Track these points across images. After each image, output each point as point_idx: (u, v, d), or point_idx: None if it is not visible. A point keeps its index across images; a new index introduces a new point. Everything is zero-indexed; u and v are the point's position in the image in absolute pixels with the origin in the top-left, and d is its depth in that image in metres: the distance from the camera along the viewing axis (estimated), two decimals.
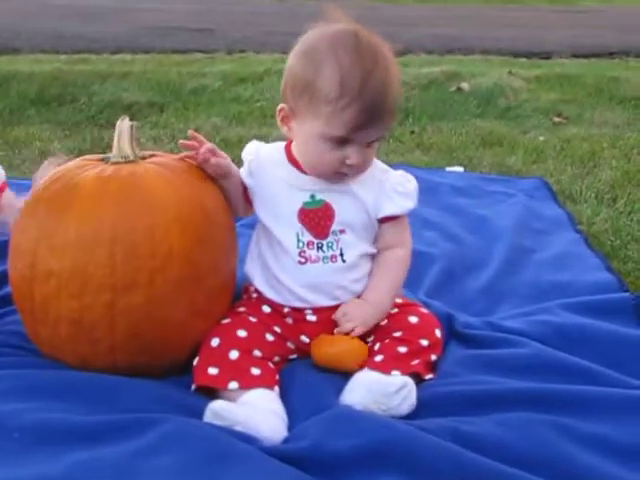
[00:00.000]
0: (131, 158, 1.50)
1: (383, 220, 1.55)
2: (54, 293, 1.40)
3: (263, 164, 1.57)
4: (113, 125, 3.56)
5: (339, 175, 1.50)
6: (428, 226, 2.25)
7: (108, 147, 3.08)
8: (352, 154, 1.45)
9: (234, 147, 2.94)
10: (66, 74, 4.28)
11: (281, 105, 1.49)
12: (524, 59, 5.62)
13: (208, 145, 1.51)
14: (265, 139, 3.22)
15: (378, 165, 1.58)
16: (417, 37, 6.09)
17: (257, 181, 1.56)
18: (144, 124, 3.48)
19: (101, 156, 1.55)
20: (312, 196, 1.52)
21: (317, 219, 1.51)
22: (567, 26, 7.54)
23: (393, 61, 1.47)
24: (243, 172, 1.59)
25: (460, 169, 2.91)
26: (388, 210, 1.54)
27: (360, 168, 1.49)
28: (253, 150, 1.61)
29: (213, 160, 1.51)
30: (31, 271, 1.42)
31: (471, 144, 3.28)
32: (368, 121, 1.41)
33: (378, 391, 1.36)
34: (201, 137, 1.52)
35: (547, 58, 5.73)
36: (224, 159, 1.54)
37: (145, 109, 3.75)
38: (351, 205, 1.53)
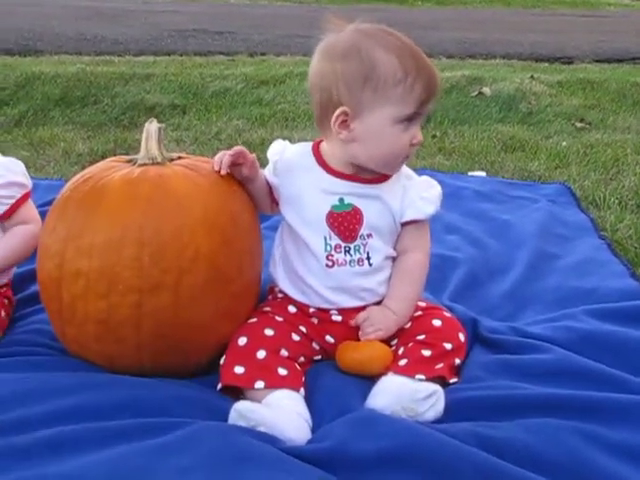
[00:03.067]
0: (159, 160, 1.51)
1: (404, 224, 1.56)
2: (82, 293, 1.41)
3: (289, 165, 1.57)
4: (136, 126, 3.61)
5: (404, 161, 1.54)
6: (451, 230, 2.25)
7: (131, 148, 3.15)
8: (416, 132, 1.50)
9: (256, 149, 2.94)
10: (89, 76, 4.31)
11: (340, 109, 1.46)
12: (546, 64, 5.60)
13: (237, 149, 1.52)
14: (288, 141, 3.24)
15: (404, 171, 1.59)
16: (438, 41, 6.08)
17: (283, 181, 1.57)
18: (166, 126, 3.50)
19: (128, 157, 1.56)
20: (341, 200, 1.52)
21: (346, 223, 1.52)
22: (589, 31, 7.50)
23: None
24: (268, 171, 1.60)
25: (483, 174, 2.90)
26: (410, 215, 1.55)
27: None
28: (279, 149, 1.62)
29: (244, 171, 1.52)
30: (59, 271, 1.44)
31: (493, 149, 3.27)
32: (432, 92, 1.48)
33: (406, 396, 1.36)
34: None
35: (569, 63, 5.71)
36: (252, 166, 1.54)
37: (167, 111, 3.77)
38: (379, 210, 1.54)
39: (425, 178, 1.61)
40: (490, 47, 6.13)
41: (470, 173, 2.91)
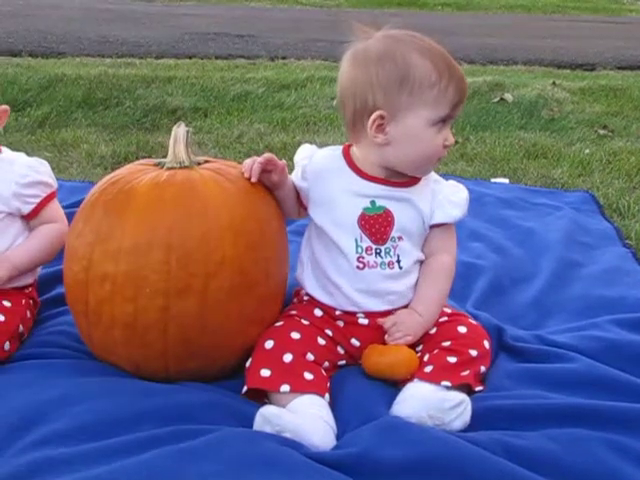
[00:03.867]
0: (186, 164, 1.51)
1: (432, 226, 1.58)
2: (108, 296, 1.42)
3: (319, 168, 1.58)
4: (158, 129, 3.63)
5: (436, 163, 1.57)
6: (475, 238, 2.24)
7: (153, 151, 3.15)
8: (448, 134, 1.52)
9: (278, 153, 2.94)
10: (111, 78, 4.32)
11: (376, 113, 1.48)
12: (568, 70, 5.56)
13: (267, 156, 1.52)
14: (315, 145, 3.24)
15: (432, 175, 1.60)
16: (459, 46, 6.03)
17: (313, 185, 1.58)
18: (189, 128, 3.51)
19: (156, 161, 1.56)
20: (372, 202, 1.53)
21: (377, 225, 1.53)
22: (611, 37, 7.45)
23: None
24: (296, 176, 1.60)
25: (505, 181, 2.89)
26: (438, 218, 1.57)
27: None
28: (307, 154, 1.63)
29: (274, 177, 1.53)
30: (86, 274, 1.44)
31: (515, 155, 3.25)
32: (464, 94, 1.51)
33: (433, 405, 1.36)
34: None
35: (591, 69, 5.67)
36: (281, 172, 1.55)
37: (189, 114, 3.78)
38: (409, 212, 1.55)
39: (453, 182, 1.63)
40: (511, 53, 6.10)
41: (493, 180, 2.90)
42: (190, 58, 5.46)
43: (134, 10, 8.50)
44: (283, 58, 5.68)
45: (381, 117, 1.48)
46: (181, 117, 3.70)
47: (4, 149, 1.68)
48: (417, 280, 1.58)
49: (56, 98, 3.82)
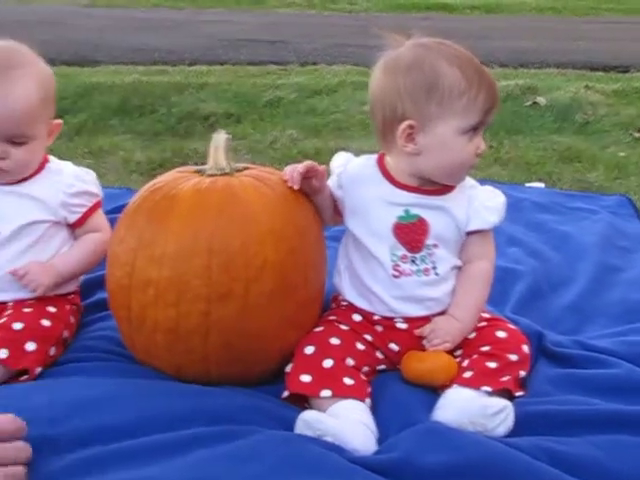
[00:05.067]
0: (227, 171, 1.53)
1: (469, 233, 1.57)
2: (151, 302, 1.44)
3: (354, 177, 1.59)
4: (192, 135, 3.67)
5: (468, 171, 1.56)
6: (512, 242, 2.23)
7: (188, 157, 3.20)
8: (480, 142, 1.52)
9: (312, 159, 2.94)
10: (145, 85, 4.39)
11: (406, 123, 1.48)
12: (601, 73, 5.52)
13: (308, 164, 1.54)
14: (343, 151, 3.25)
15: (467, 181, 1.60)
16: (489, 50, 6.03)
17: (347, 193, 1.59)
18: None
19: (196, 168, 1.58)
20: (406, 211, 1.54)
21: (412, 234, 1.53)
22: None
23: None
24: (332, 184, 1.61)
25: (541, 185, 2.88)
26: (475, 224, 1.56)
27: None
28: (342, 162, 1.64)
29: (315, 183, 1.54)
30: (129, 280, 1.46)
31: (549, 159, 3.24)
32: (494, 102, 1.50)
33: (475, 411, 1.36)
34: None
35: (625, 72, 5.62)
36: (321, 178, 1.56)
37: (222, 120, 3.82)
38: (443, 220, 1.55)
39: (489, 187, 1.62)
40: (543, 56, 6.07)
41: (528, 184, 2.89)
42: (222, 65, 5.52)
43: (164, 18, 8.59)
44: (314, 64, 5.71)
45: (410, 127, 1.48)
46: (214, 123, 3.74)
47: (52, 158, 1.71)
48: (454, 286, 1.58)
49: (92, 106, 3.89)
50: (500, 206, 1.58)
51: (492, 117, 1.52)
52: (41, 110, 1.60)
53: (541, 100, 4.20)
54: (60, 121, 1.71)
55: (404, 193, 1.55)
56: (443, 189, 1.56)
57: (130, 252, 1.47)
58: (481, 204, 1.57)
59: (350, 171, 1.60)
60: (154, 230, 1.45)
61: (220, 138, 1.55)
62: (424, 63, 1.48)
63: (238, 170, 1.56)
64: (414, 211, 1.54)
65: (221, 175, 1.52)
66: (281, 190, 1.51)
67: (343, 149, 3.28)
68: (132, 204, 1.54)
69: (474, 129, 1.49)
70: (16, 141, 1.58)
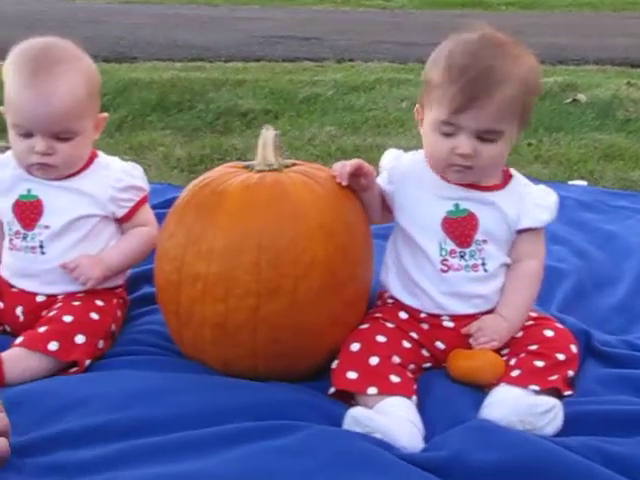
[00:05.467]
0: (275, 167, 1.54)
1: (520, 231, 1.56)
2: (200, 296, 1.45)
3: (405, 172, 1.60)
4: (230, 131, 3.67)
5: (454, 168, 1.51)
6: (555, 241, 2.21)
7: (227, 153, 3.20)
8: (459, 143, 1.48)
9: (351, 156, 2.92)
10: (183, 81, 4.39)
11: (417, 104, 1.57)
12: None
13: (356, 161, 1.54)
14: (381, 148, 3.24)
15: (520, 179, 1.60)
16: (526, 46, 5.97)
17: (398, 189, 1.59)
18: (260, 132, 3.54)
19: (245, 164, 1.59)
20: (456, 205, 1.54)
21: (461, 228, 1.53)
22: None
23: (522, 61, 1.50)
24: (383, 179, 1.62)
25: (584, 183, 2.85)
26: (526, 222, 1.56)
27: (476, 162, 1.49)
28: (393, 158, 1.65)
29: (363, 181, 1.55)
30: (178, 275, 1.48)
31: (591, 157, 3.20)
32: (467, 103, 1.44)
33: (524, 409, 1.35)
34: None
35: None
36: (370, 176, 1.56)
37: (260, 116, 3.81)
38: (493, 216, 1.54)
39: (542, 186, 1.62)
40: (581, 52, 5.98)
41: (570, 182, 2.86)
42: (258, 61, 5.51)
43: (200, 14, 8.62)
44: (350, 60, 5.69)
45: (417, 111, 1.57)
46: (252, 120, 3.74)
47: (100, 153, 1.73)
48: (503, 284, 1.57)
49: (131, 102, 3.91)
50: (552, 205, 1.58)
51: (472, 122, 1.46)
52: (86, 105, 1.61)
53: (582, 97, 4.14)
54: (105, 114, 1.72)
55: (454, 187, 1.55)
56: (495, 185, 1.56)
57: (179, 247, 1.48)
58: (533, 202, 1.56)
59: (402, 166, 1.61)
60: (203, 225, 1.46)
61: (269, 134, 1.55)
62: (438, 51, 1.52)
63: (286, 166, 1.56)
64: (464, 205, 1.54)
65: (269, 171, 1.53)
66: (330, 186, 1.52)
67: (381, 146, 3.28)
68: (181, 200, 1.55)
69: (447, 125, 1.47)
70: (62, 137, 1.59)
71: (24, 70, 1.57)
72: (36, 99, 1.55)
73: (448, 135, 1.48)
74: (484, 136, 1.48)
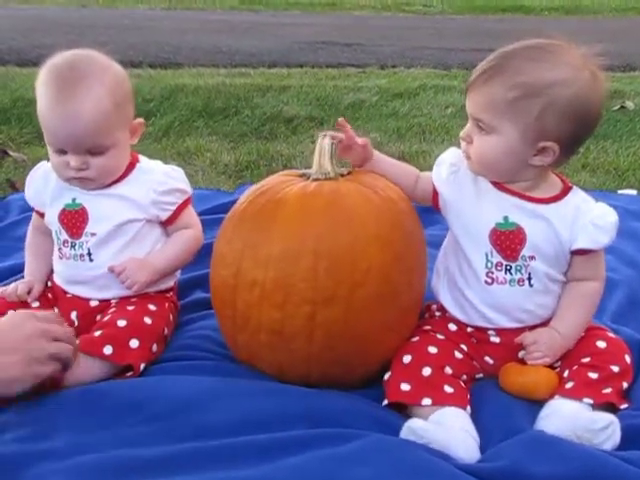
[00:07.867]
0: (331, 175, 1.55)
1: (576, 252, 1.52)
2: (257, 302, 1.46)
3: (462, 177, 1.57)
4: (276, 137, 3.69)
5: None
6: (605, 250, 2.18)
7: (273, 160, 3.22)
8: (466, 127, 1.52)
9: None
10: (228, 87, 4.44)
11: None
12: None
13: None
14: (426, 155, 3.23)
15: (579, 193, 1.55)
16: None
17: (453, 191, 1.56)
18: (305, 138, 3.57)
19: (301, 172, 1.60)
20: (505, 218, 1.51)
21: (508, 242, 1.50)
22: None
23: (567, 66, 1.45)
24: (439, 175, 1.58)
25: (633, 192, 2.81)
26: (582, 243, 1.50)
27: (471, 150, 1.50)
28: (457, 161, 1.58)
29: (360, 141, 1.57)
30: (235, 280, 1.49)
31: None
32: (471, 83, 1.49)
33: (581, 425, 1.34)
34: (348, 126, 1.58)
35: None
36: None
37: (305, 122, 3.83)
38: (544, 231, 1.50)
39: (601, 204, 1.54)
40: (628, 59, 5.91)
41: (620, 191, 2.82)
42: (301, 67, 5.55)
43: (243, 20, 8.70)
44: (393, 67, 5.69)
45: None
46: (297, 126, 3.76)
47: (142, 158, 1.75)
48: (552, 300, 1.55)
49: (178, 107, 3.95)
50: (611, 225, 1.50)
51: (470, 104, 1.50)
52: (115, 117, 1.59)
53: (629, 104, 4.09)
54: (141, 120, 1.72)
55: (504, 196, 1.52)
56: (549, 198, 1.52)
57: (236, 252, 1.50)
58: (591, 222, 1.50)
59: (462, 173, 1.57)
60: (260, 232, 1.48)
61: (325, 142, 1.56)
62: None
63: (342, 174, 1.57)
64: (513, 218, 1.51)
65: (326, 179, 1.54)
66: (386, 195, 1.52)
67: (427, 153, 3.27)
68: (238, 206, 1.56)
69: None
70: (94, 152, 1.59)
71: (50, 89, 1.56)
72: (61, 119, 1.55)
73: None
74: (479, 124, 1.48)
